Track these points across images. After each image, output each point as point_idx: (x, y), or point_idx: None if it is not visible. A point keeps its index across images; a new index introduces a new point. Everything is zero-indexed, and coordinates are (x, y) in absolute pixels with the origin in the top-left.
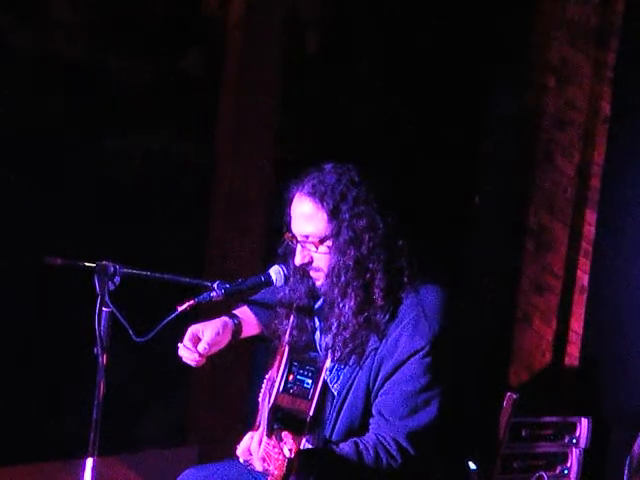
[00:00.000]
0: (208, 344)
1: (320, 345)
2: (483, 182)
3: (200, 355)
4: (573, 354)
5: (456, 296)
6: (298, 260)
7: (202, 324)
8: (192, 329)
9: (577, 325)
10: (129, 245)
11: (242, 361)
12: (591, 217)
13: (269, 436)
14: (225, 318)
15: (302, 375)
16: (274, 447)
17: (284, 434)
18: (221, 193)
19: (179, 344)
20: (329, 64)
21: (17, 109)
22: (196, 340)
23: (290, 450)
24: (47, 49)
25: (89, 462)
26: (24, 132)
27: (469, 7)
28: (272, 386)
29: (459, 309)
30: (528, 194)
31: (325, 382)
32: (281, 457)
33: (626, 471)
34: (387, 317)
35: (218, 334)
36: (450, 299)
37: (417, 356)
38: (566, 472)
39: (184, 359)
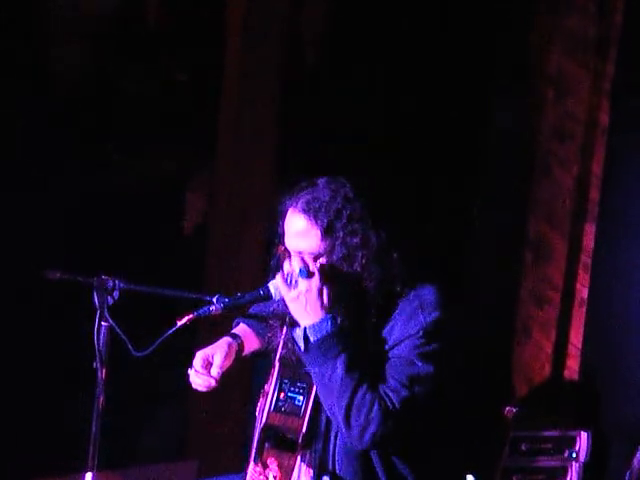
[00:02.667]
0: (220, 367)
1: None
2: (482, 194)
3: (215, 380)
4: (572, 367)
5: (455, 309)
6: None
7: (209, 348)
8: (202, 355)
9: (576, 338)
10: (128, 259)
11: (242, 374)
12: (590, 229)
13: (255, 462)
14: (228, 339)
15: (293, 392)
16: (260, 474)
17: (269, 460)
18: (220, 205)
19: (189, 371)
20: (329, 73)
21: (16, 116)
22: (207, 365)
23: (275, 477)
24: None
25: (88, 477)
26: (23, 143)
27: (468, 21)
28: (265, 403)
29: (456, 309)
30: (527, 206)
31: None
32: None
33: None
34: (381, 320)
35: (226, 356)
36: (447, 295)
37: (410, 340)
38: None
39: (196, 385)
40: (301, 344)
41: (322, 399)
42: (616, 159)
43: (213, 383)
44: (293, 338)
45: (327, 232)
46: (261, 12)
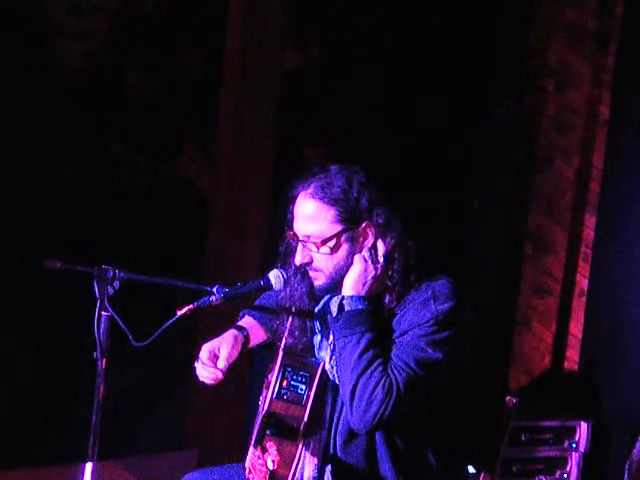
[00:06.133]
0: (226, 360)
1: (319, 348)
2: (482, 186)
3: (222, 373)
4: (573, 358)
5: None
6: (298, 259)
7: (216, 340)
8: (208, 347)
9: (576, 329)
10: (128, 250)
11: (241, 364)
12: (590, 221)
13: (255, 446)
14: (234, 331)
15: (296, 381)
16: (258, 458)
17: (269, 444)
18: (221, 197)
19: (195, 364)
20: (330, 66)
21: (17, 113)
22: (214, 358)
23: (273, 462)
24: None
25: (88, 466)
26: (24, 135)
27: (468, 13)
28: (267, 391)
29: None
30: (527, 198)
31: (327, 380)
32: (264, 469)
33: (626, 475)
34: (396, 303)
35: (233, 348)
36: (459, 287)
37: (420, 328)
38: (566, 476)
39: (202, 378)
40: (334, 311)
41: (336, 370)
42: (616, 151)
43: (220, 376)
44: (300, 327)
45: (345, 215)
46: (261, 11)
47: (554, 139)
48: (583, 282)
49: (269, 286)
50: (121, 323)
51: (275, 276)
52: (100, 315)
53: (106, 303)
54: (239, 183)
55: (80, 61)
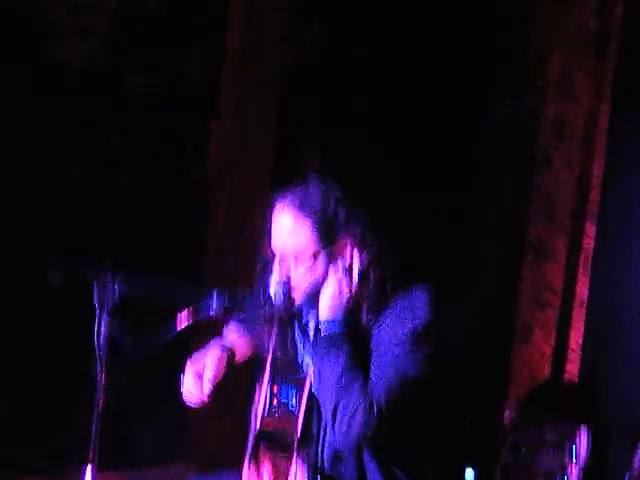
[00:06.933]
0: (211, 382)
1: (304, 359)
2: (482, 194)
3: (207, 396)
4: (573, 368)
5: (455, 308)
6: (275, 277)
7: (200, 361)
8: (192, 371)
9: (577, 339)
10: (128, 250)
11: (240, 374)
12: (590, 230)
13: (249, 462)
14: (218, 351)
15: (286, 397)
16: (254, 473)
17: (264, 462)
18: (221, 197)
19: (182, 389)
20: (330, 66)
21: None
22: (199, 380)
23: (269, 478)
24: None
25: (87, 476)
26: (24, 135)
27: (469, 15)
28: (258, 408)
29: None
30: (527, 207)
31: (313, 397)
32: None
33: None
34: (373, 319)
35: (217, 369)
36: (438, 298)
37: (398, 343)
38: None
39: (188, 401)
40: (311, 335)
41: (317, 393)
42: (617, 159)
43: (205, 399)
44: (283, 342)
45: (323, 231)
46: (261, 11)
47: (554, 146)
48: (583, 292)
49: (270, 302)
50: (119, 336)
51: (276, 291)
52: (100, 321)
53: (106, 310)
54: (239, 183)
55: (80, 61)
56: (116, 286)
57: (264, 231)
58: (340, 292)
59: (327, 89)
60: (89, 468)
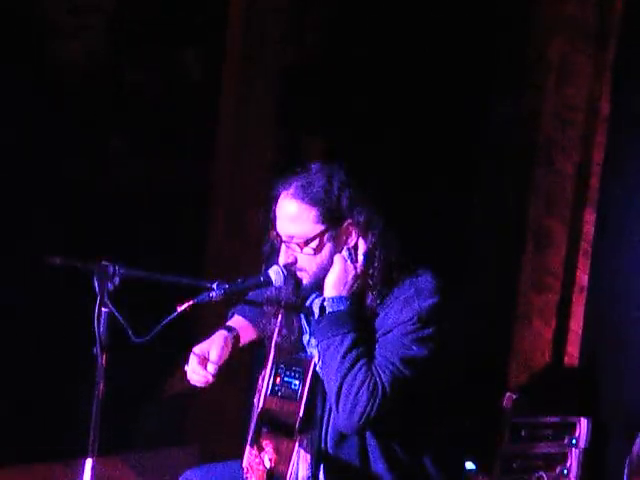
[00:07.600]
0: (216, 363)
1: (309, 344)
2: (483, 182)
3: (212, 376)
4: (573, 354)
5: (455, 295)
6: (282, 260)
7: (205, 343)
8: (197, 352)
9: (576, 325)
10: (128, 250)
11: (242, 361)
12: (590, 216)
13: (251, 445)
14: (223, 332)
15: (289, 377)
16: (255, 457)
17: (265, 443)
18: (221, 197)
19: (186, 368)
20: (330, 65)
21: (16, 113)
22: (203, 361)
23: (270, 460)
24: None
25: (88, 463)
26: (24, 135)
27: (468, 9)
28: (261, 388)
29: (452, 295)
30: (527, 194)
31: (318, 378)
32: (261, 467)
33: (626, 471)
34: (378, 302)
35: (222, 350)
36: (444, 282)
37: (404, 326)
38: (566, 472)
39: (194, 382)
40: (316, 312)
41: (321, 372)
42: (617, 147)
43: (210, 379)
44: (289, 324)
45: (327, 215)
46: (261, 11)
47: (554, 135)
48: (583, 278)
49: (269, 282)
50: (121, 319)
51: (275, 272)
52: (100, 311)
53: (106, 299)
54: (239, 183)
55: (80, 61)
56: (117, 270)
57: (268, 219)
58: (345, 271)
59: (327, 89)
60: (89, 461)
